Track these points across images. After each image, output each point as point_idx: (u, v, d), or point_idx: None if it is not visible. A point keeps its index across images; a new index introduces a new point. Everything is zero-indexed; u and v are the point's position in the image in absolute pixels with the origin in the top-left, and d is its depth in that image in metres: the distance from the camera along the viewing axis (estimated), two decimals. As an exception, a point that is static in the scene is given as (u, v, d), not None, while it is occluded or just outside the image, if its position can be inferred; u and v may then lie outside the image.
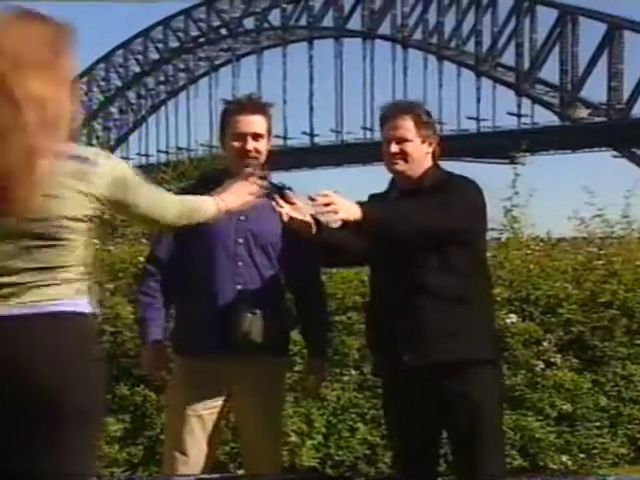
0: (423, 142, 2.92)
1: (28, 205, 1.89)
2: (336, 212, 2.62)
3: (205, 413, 2.96)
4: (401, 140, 2.90)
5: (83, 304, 2.05)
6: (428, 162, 2.95)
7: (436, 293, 2.80)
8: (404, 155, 2.91)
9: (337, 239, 2.79)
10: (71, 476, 1.97)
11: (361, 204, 2.69)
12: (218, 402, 2.97)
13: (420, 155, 2.92)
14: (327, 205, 2.62)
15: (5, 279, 1.96)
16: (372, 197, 3.05)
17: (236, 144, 2.98)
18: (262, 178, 2.59)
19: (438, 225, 2.74)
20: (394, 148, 2.90)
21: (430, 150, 2.95)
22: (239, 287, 2.94)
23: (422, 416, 2.84)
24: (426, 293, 2.80)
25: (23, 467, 1.96)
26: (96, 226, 2.07)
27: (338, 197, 2.65)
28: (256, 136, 2.98)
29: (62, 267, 2.01)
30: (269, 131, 3.05)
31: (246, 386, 2.97)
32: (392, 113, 2.96)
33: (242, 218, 2.96)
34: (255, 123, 2.98)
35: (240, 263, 2.94)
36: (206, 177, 3.38)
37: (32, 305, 1.97)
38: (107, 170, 2.04)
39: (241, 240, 2.96)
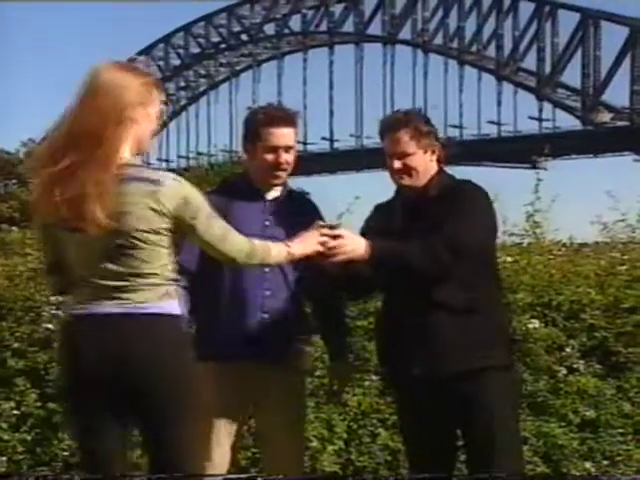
0: (425, 152, 2.92)
1: (102, 222, 2.28)
2: (343, 253, 2.70)
3: (229, 419, 2.97)
4: (403, 155, 2.90)
5: (170, 306, 2.41)
6: (433, 169, 2.95)
7: (445, 305, 2.80)
8: (408, 169, 2.91)
9: (356, 270, 2.80)
10: (176, 465, 2.34)
11: (369, 242, 2.74)
12: (242, 408, 2.98)
13: (424, 166, 2.92)
14: (335, 240, 2.70)
15: (98, 282, 2.36)
16: (378, 208, 3.06)
17: (269, 157, 3.01)
18: (331, 228, 2.71)
19: (447, 261, 2.75)
20: (397, 164, 2.91)
21: (434, 157, 2.95)
22: (267, 293, 2.97)
23: (436, 426, 2.86)
24: (435, 306, 2.81)
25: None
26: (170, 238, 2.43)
27: (348, 236, 2.73)
28: (288, 149, 3.03)
29: (147, 273, 2.37)
30: (297, 140, 3.11)
31: (270, 392, 2.98)
32: (390, 127, 2.95)
33: (267, 224, 2.98)
34: (287, 136, 3.03)
35: (267, 269, 2.96)
36: (229, 182, 3.39)
37: (119, 305, 2.36)
38: (172, 190, 2.39)
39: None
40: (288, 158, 3.03)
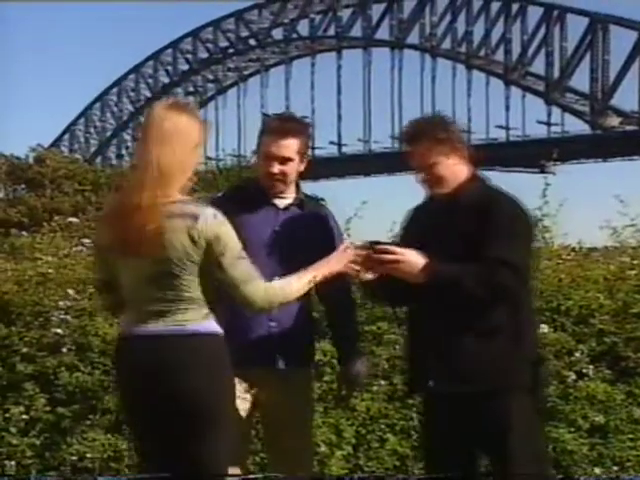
0: (448, 158, 2.89)
1: (148, 253, 2.54)
2: (398, 271, 2.73)
3: (241, 427, 2.96)
4: (425, 167, 2.90)
5: (212, 326, 2.61)
6: (462, 172, 2.93)
7: (470, 324, 2.81)
8: (434, 179, 2.91)
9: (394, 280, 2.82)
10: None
11: (428, 265, 2.74)
12: (251, 414, 2.98)
13: (451, 172, 2.90)
14: (391, 261, 2.73)
15: (144, 305, 2.58)
16: (413, 212, 3.04)
17: (263, 166, 3.03)
18: (367, 248, 2.74)
19: (513, 288, 2.78)
20: (421, 176, 2.92)
21: (461, 160, 2.92)
22: None
23: (452, 442, 2.87)
24: (460, 323, 2.81)
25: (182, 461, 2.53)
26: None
27: (405, 255, 2.74)
28: (284, 160, 3.02)
29: (188, 298, 2.58)
30: (302, 152, 3.08)
31: (276, 396, 2.98)
32: (408, 140, 2.96)
33: (277, 229, 2.98)
34: (282, 147, 3.02)
35: (276, 277, 2.95)
36: (240, 188, 3.40)
37: (165, 325, 2.58)
38: (207, 226, 2.57)
39: (277, 254, 2.99)
40: (283, 169, 3.02)
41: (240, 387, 2.94)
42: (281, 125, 3.06)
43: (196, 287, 2.58)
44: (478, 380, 2.79)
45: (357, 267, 2.76)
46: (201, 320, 2.59)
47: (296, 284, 2.66)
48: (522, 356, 2.85)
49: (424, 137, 2.90)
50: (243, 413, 2.98)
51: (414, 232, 2.95)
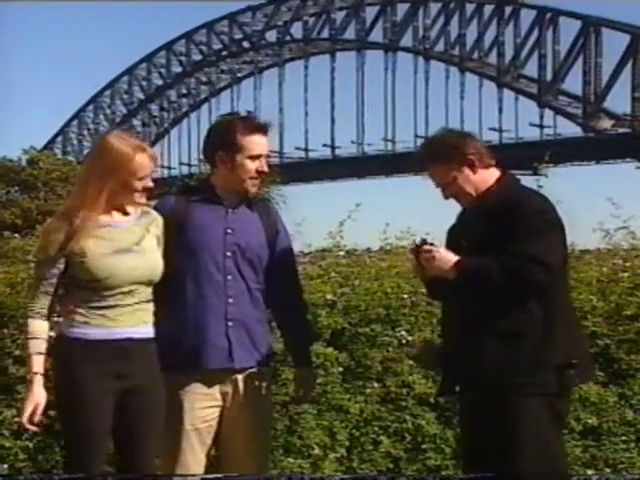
0: (461, 171, 2.94)
1: None
2: (432, 267, 2.85)
3: (202, 426, 2.98)
4: (448, 185, 2.97)
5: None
6: (488, 177, 2.98)
7: (492, 327, 2.84)
8: (459, 192, 2.98)
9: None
10: None
11: (458, 260, 2.83)
12: (213, 415, 2.98)
13: (473, 182, 2.96)
14: (427, 258, 2.85)
15: None
16: (457, 217, 3.08)
17: (252, 165, 3.01)
18: (424, 244, 2.89)
19: (541, 281, 2.80)
20: (448, 192, 3.00)
21: (481, 167, 2.96)
22: (230, 300, 2.97)
23: (475, 440, 2.92)
24: (483, 327, 2.85)
25: None
26: None
27: (440, 252, 2.85)
28: (267, 156, 3.06)
29: None
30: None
31: (237, 397, 2.99)
32: (424, 162, 3.04)
33: (229, 232, 2.99)
34: (266, 144, 3.05)
35: (229, 277, 2.98)
36: (189, 187, 3.41)
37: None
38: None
39: (229, 254, 2.99)
40: (266, 166, 3.06)
41: (200, 391, 2.95)
42: (261, 124, 3.07)
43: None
44: (496, 385, 2.82)
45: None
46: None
47: None
48: (547, 361, 2.84)
49: (436, 159, 2.97)
50: (205, 421, 2.97)
51: (454, 238, 3.03)
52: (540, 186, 5.58)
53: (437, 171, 2.98)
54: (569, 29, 51.48)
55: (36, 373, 2.76)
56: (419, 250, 2.90)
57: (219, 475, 2.99)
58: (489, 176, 2.98)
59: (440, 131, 3.20)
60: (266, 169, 3.04)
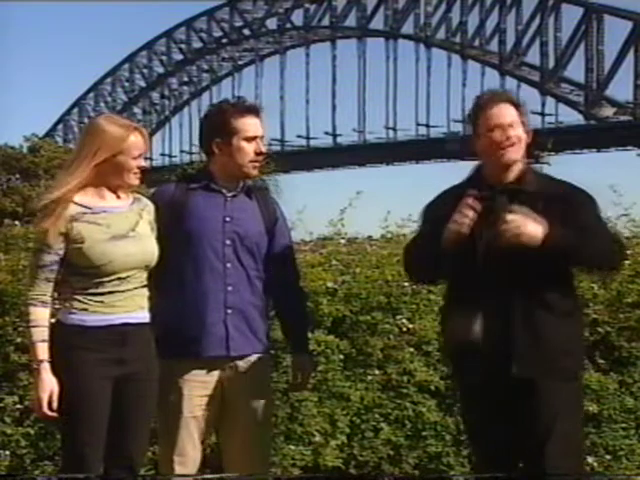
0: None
1: None
2: (519, 235, 2.68)
3: (200, 414, 2.98)
4: (513, 126, 2.84)
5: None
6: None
7: (552, 307, 2.79)
8: (519, 141, 2.84)
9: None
10: None
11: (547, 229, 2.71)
12: (212, 402, 2.98)
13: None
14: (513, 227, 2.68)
15: None
16: (444, 196, 2.95)
17: (249, 147, 3.00)
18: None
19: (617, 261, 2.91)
20: (511, 132, 2.82)
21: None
22: (230, 288, 2.97)
23: (501, 424, 2.82)
24: (543, 307, 2.78)
25: None
26: None
27: (525, 221, 2.69)
28: (262, 138, 3.05)
29: None
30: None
31: (236, 386, 2.99)
32: (494, 101, 2.87)
33: (228, 220, 2.99)
34: (260, 126, 3.04)
35: (229, 264, 2.97)
36: (187, 177, 3.39)
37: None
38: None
39: (229, 242, 2.98)
40: (263, 147, 3.05)
41: (195, 377, 2.95)
42: (252, 105, 3.07)
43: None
44: (557, 366, 2.78)
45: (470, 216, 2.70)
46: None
47: None
48: (583, 340, 2.94)
49: (510, 102, 2.94)
50: (204, 408, 2.97)
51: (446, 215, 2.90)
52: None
53: (514, 112, 2.85)
54: (571, 16, 51.35)
55: (42, 361, 2.75)
56: (502, 210, 2.69)
57: (216, 476, 3.00)
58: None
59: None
60: (264, 150, 3.03)
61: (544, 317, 2.77)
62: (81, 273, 2.78)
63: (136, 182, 2.87)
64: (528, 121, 2.91)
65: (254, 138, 3.00)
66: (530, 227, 2.70)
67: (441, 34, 55.30)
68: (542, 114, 51.13)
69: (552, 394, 2.77)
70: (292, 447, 4.26)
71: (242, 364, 2.99)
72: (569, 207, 2.79)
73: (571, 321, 2.82)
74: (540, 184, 2.86)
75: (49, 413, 2.74)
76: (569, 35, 51.28)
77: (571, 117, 50.46)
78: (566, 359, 2.81)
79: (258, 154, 3.02)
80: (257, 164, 3.03)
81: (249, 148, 3.00)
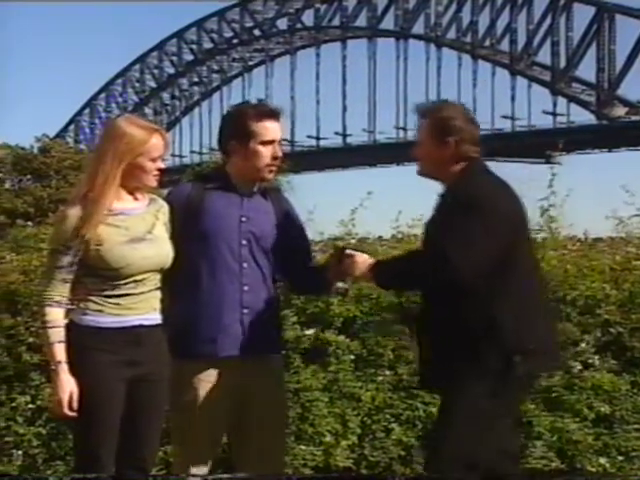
0: (438, 145, 2.91)
1: None
2: (350, 273, 2.98)
3: (215, 414, 2.97)
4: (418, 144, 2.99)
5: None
6: (451, 163, 2.92)
7: (436, 316, 2.95)
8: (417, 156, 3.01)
9: None
10: None
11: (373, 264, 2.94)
12: (227, 402, 2.98)
13: (433, 157, 2.93)
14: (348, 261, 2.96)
15: None
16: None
17: (266, 151, 3.00)
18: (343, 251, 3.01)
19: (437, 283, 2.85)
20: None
21: (448, 151, 2.91)
22: (246, 288, 2.97)
23: None
24: (430, 316, 2.97)
25: None
26: None
27: (357, 259, 2.95)
28: (280, 142, 3.05)
29: None
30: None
31: (250, 384, 2.98)
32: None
33: (244, 220, 2.99)
34: (279, 130, 3.04)
35: (245, 264, 2.98)
36: (204, 176, 3.38)
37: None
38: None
39: (245, 242, 2.99)
40: (281, 152, 3.05)
41: (210, 378, 2.95)
42: (272, 109, 3.06)
43: None
44: (438, 373, 2.90)
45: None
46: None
47: None
48: (489, 347, 2.81)
49: (424, 117, 3.04)
50: (219, 408, 2.97)
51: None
52: (554, 174, 5.58)
53: (423, 128, 2.97)
54: (583, 15, 51.14)
55: (60, 361, 2.75)
56: (340, 255, 2.99)
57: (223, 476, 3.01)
58: (448, 164, 2.93)
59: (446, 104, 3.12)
60: (280, 154, 3.03)
61: (431, 325, 2.94)
62: (97, 275, 2.78)
63: (154, 184, 2.87)
64: (448, 129, 2.95)
65: (271, 142, 3.00)
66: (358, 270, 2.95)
67: (452, 34, 55.18)
68: (553, 114, 50.98)
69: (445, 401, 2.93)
70: (303, 447, 4.26)
71: (258, 364, 2.98)
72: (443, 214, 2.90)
73: (456, 328, 2.85)
74: (457, 192, 2.90)
75: (70, 414, 2.75)
76: (581, 34, 51.10)
77: (583, 117, 50.29)
78: (449, 364, 2.85)
79: (275, 158, 3.02)
80: (273, 168, 3.03)
81: (266, 152, 2.99)
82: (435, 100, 3.29)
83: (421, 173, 3.02)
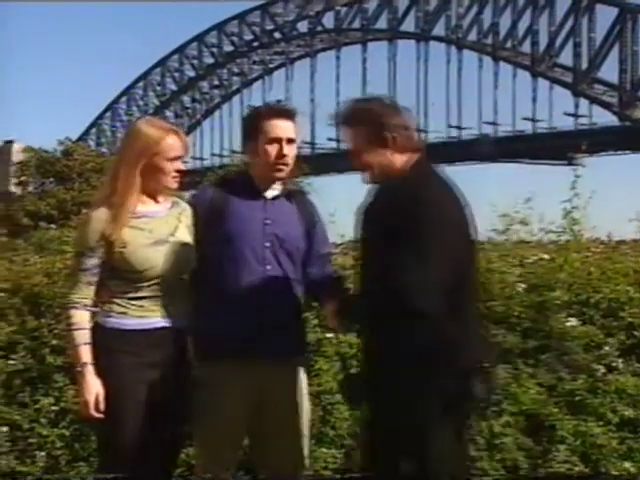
0: (376, 147, 2.71)
1: None
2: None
3: (238, 415, 2.97)
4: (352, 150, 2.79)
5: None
6: (402, 159, 2.71)
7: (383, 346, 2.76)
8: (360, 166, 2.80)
9: None
10: None
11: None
12: (248, 404, 2.98)
13: (377, 161, 2.72)
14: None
15: None
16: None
17: (272, 149, 3.00)
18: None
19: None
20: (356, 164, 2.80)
21: (389, 149, 2.71)
22: (269, 290, 2.97)
23: None
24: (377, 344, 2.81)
25: None
26: None
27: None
28: (289, 141, 3.03)
29: None
30: (298, 136, 3.09)
31: (272, 386, 2.99)
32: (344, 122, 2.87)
33: (268, 222, 2.99)
34: (288, 128, 3.02)
35: (269, 267, 2.98)
36: (228, 179, 3.38)
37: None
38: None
39: (268, 244, 2.99)
40: (290, 151, 3.01)
41: (232, 380, 2.94)
42: (281, 107, 3.08)
43: None
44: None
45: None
46: None
47: None
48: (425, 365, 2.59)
49: (343, 123, 2.92)
50: (241, 409, 2.97)
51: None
52: (577, 176, 5.55)
53: (348, 134, 2.78)
54: (605, 16, 50.79)
55: (86, 363, 2.77)
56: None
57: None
58: (402, 160, 2.72)
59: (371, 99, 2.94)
60: (285, 152, 2.99)
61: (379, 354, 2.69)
62: (121, 277, 2.79)
63: (174, 185, 2.87)
64: (367, 127, 2.75)
65: (277, 140, 2.99)
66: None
67: (473, 36, 54.99)
68: (575, 115, 50.66)
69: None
70: (324, 450, 4.25)
71: (280, 367, 2.99)
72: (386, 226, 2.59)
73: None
74: (391, 198, 2.67)
75: (96, 415, 2.76)
76: (603, 35, 50.75)
77: (605, 118, 49.95)
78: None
79: (280, 157, 3.00)
80: (280, 167, 3.01)
81: (271, 150, 2.99)
82: (348, 101, 3.00)
83: (372, 181, 2.77)
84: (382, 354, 2.64)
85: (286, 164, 3.02)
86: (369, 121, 2.74)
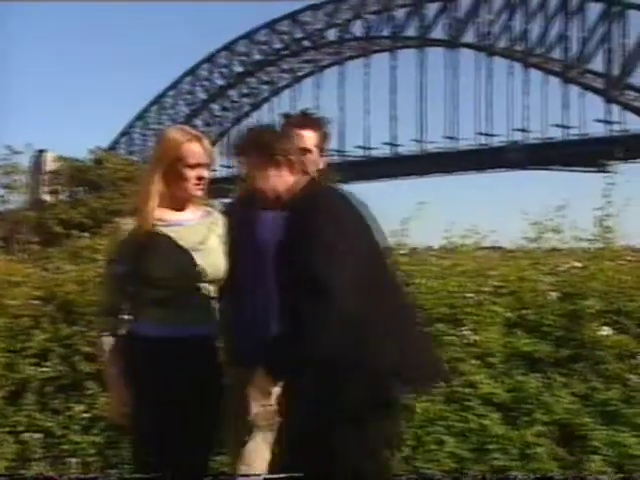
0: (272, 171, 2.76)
1: None
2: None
3: (267, 423, 2.96)
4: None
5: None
6: (293, 182, 2.77)
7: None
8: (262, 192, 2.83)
9: None
10: None
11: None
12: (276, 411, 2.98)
13: (278, 184, 2.77)
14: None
15: None
16: None
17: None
18: None
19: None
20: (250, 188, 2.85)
21: (285, 172, 2.77)
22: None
23: None
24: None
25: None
26: None
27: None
28: (303, 151, 3.02)
29: None
30: (319, 146, 3.08)
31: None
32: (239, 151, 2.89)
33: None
34: (301, 138, 3.03)
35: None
36: (248, 191, 3.38)
37: None
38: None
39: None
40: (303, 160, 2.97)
41: (265, 387, 2.93)
42: (296, 119, 3.09)
43: None
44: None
45: None
46: None
47: None
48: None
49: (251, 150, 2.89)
50: (270, 417, 2.97)
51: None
52: (611, 183, 5.48)
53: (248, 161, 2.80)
54: (637, 22, 50.32)
55: (117, 371, 2.80)
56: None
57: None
58: (295, 180, 2.76)
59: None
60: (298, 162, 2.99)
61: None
62: (152, 285, 2.81)
63: (197, 193, 2.87)
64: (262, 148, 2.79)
65: (303, 150, 3.01)
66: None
67: (503, 42, 54.71)
68: (607, 122, 50.16)
69: None
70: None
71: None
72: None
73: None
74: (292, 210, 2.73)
75: (124, 421, 2.79)
76: (635, 41, 50.23)
77: (637, 125, 49.38)
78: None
79: (292, 165, 3.00)
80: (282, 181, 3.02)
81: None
82: (239, 132, 3.00)
83: (270, 206, 2.82)
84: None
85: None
86: (261, 147, 2.77)
